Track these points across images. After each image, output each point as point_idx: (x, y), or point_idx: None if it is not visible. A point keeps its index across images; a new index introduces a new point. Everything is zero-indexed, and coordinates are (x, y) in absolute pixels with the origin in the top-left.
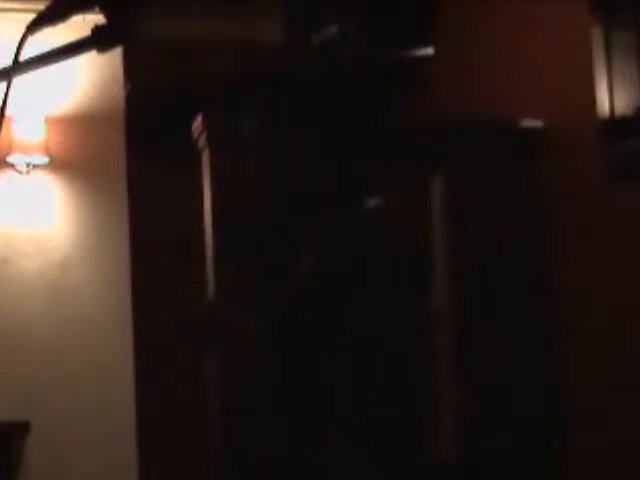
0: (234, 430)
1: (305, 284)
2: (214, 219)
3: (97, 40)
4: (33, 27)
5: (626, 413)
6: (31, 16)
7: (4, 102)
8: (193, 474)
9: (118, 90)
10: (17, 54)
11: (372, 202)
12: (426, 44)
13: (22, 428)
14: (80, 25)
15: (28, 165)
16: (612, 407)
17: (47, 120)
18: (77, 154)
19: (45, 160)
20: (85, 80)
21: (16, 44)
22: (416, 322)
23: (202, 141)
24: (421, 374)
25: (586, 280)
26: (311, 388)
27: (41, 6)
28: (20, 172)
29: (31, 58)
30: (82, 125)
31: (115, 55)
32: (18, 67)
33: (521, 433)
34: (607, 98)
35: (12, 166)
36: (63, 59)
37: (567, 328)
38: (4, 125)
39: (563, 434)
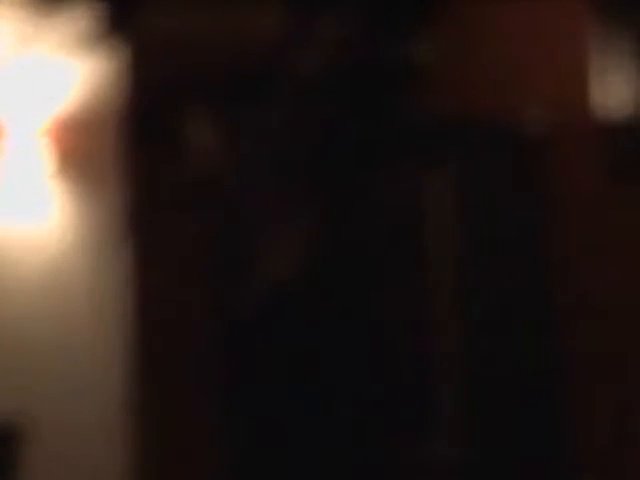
0: (234, 431)
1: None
2: None
3: (98, 34)
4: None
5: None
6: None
7: None
8: (192, 470)
9: (118, 89)
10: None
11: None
12: (426, 43)
13: (21, 428)
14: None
15: (27, 166)
16: (616, 409)
17: (46, 121)
18: (77, 154)
19: (44, 161)
20: (84, 80)
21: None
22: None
23: (201, 138)
24: (420, 372)
25: (589, 281)
26: (307, 381)
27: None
28: (18, 173)
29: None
30: (81, 124)
31: (114, 54)
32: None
33: (524, 435)
34: (607, 99)
35: (9, 167)
36: (63, 50)
37: (571, 331)
38: (1, 126)
39: (566, 436)
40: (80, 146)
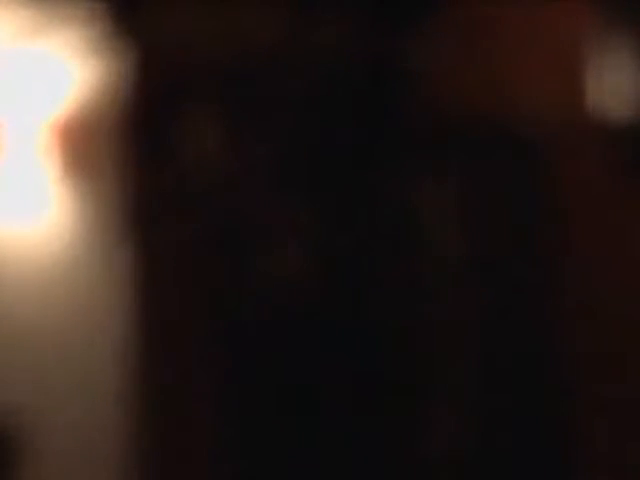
0: (235, 431)
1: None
2: None
3: (100, 34)
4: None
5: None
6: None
7: None
8: (192, 470)
9: (119, 89)
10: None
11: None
12: (424, 44)
13: (20, 427)
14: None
15: (27, 166)
16: (621, 406)
17: (47, 120)
18: (78, 154)
19: (45, 161)
20: (85, 80)
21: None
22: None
23: (202, 138)
24: (420, 371)
25: (590, 281)
26: (305, 379)
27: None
28: (18, 172)
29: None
30: (83, 124)
31: (116, 54)
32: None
33: (524, 431)
34: (607, 99)
35: (9, 167)
36: (65, 50)
37: (573, 331)
38: (0, 127)
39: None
40: (81, 146)
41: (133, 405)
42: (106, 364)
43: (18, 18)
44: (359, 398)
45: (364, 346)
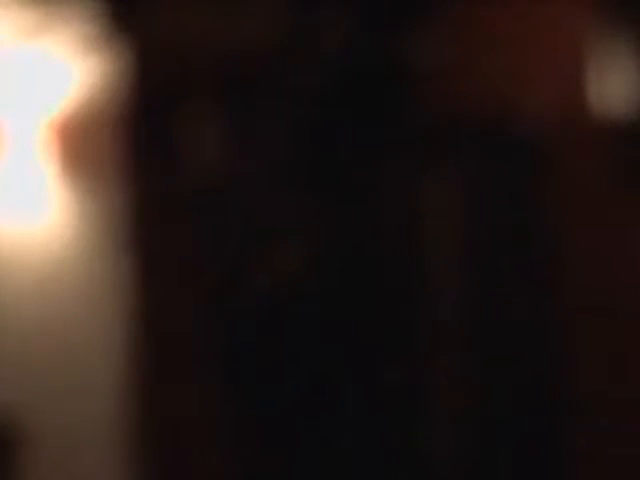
0: (236, 432)
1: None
2: None
3: (100, 34)
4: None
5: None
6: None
7: None
8: (193, 470)
9: (119, 89)
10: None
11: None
12: (425, 45)
13: (18, 430)
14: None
15: (27, 166)
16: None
17: (47, 120)
18: (78, 153)
19: (45, 161)
20: (85, 79)
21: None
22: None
23: (202, 139)
24: (420, 372)
25: (589, 282)
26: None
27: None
28: (18, 172)
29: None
30: (83, 124)
31: (116, 54)
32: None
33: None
34: (607, 100)
35: (10, 166)
36: (64, 50)
37: (574, 332)
38: (0, 125)
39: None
40: (81, 146)
41: (133, 405)
42: (105, 363)
43: (18, 18)
44: (359, 398)
45: (364, 346)
